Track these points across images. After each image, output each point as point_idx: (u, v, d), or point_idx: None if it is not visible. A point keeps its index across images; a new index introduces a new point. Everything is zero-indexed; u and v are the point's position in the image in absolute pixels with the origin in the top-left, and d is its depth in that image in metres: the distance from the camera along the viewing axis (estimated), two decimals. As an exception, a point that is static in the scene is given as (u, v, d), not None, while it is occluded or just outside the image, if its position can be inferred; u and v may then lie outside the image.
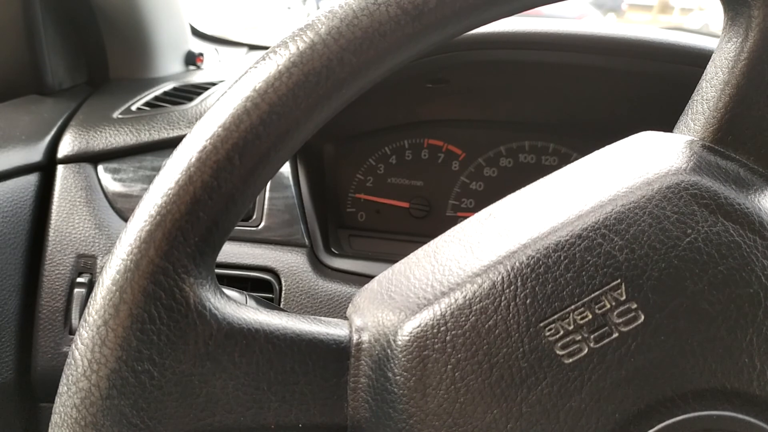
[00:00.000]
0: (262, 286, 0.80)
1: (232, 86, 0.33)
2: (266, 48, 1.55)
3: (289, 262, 0.80)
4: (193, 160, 0.31)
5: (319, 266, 0.82)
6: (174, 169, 0.32)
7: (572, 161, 0.89)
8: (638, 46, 0.75)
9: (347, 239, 0.96)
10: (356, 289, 0.77)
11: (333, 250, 0.88)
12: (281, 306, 0.79)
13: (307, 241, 0.82)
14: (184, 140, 0.33)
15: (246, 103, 0.31)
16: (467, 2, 0.32)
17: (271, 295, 0.79)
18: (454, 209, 0.97)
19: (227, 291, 0.51)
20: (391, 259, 0.80)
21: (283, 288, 0.79)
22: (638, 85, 0.81)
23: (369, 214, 0.98)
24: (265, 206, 0.83)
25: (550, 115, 0.93)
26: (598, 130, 0.91)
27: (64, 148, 0.84)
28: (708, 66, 0.38)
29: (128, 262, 0.31)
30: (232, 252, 0.81)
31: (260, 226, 0.83)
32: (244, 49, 1.46)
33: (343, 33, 0.31)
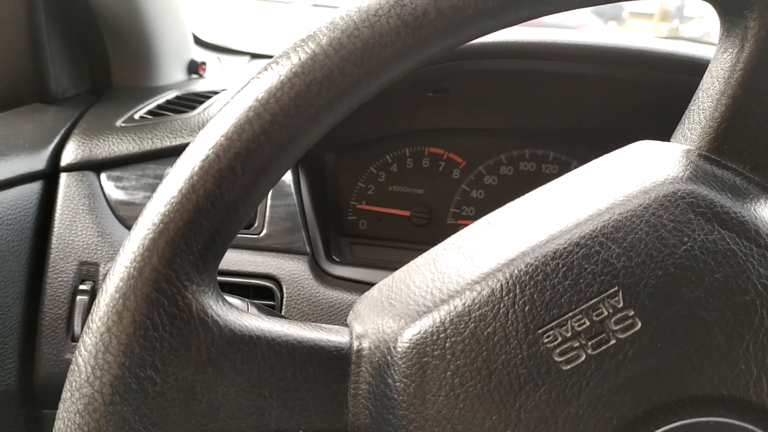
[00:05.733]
0: (264, 294, 0.80)
1: (234, 96, 0.33)
2: (269, 57, 1.55)
3: (290, 270, 0.81)
4: (196, 168, 0.32)
5: (320, 274, 0.82)
6: (177, 177, 0.32)
7: (572, 169, 0.89)
8: (637, 56, 0.75)
9: (348, 247, 0.96)
10: (357, 296, 0.77)
11: (334, 257, 0.88)
12: (282, 313, 0.79)
13: (308, 248, 0.83)
14: (187, 149, 0.33)
15: (248, 112, 0.32)
16: (467, 13, 0.32)
17: (272, 303, 0.80)
18: (454, 217, 0.97)
19: (229, 298, 0.52)
20: (393, 266, 0.81)
21: (285, 295, 0.79)
22: (638, 93, 0.82)
23: (370, 221, 0.99)
24: (267, 214, 0.84)
25: (550, 124, 0.94)
26: (598, 138, 0.92)
27: (67, 157, 0.85)
28: (705, 76, 0.38)
29: (131, 269, 0.31)
30: (233, 259, 0.81)
31: (262, 234, 0.83)
32: (247, 58, 1.47)
33: (344, 44, 0.32)
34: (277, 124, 0.32)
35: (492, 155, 0.97)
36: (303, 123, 0.32)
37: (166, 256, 0.31)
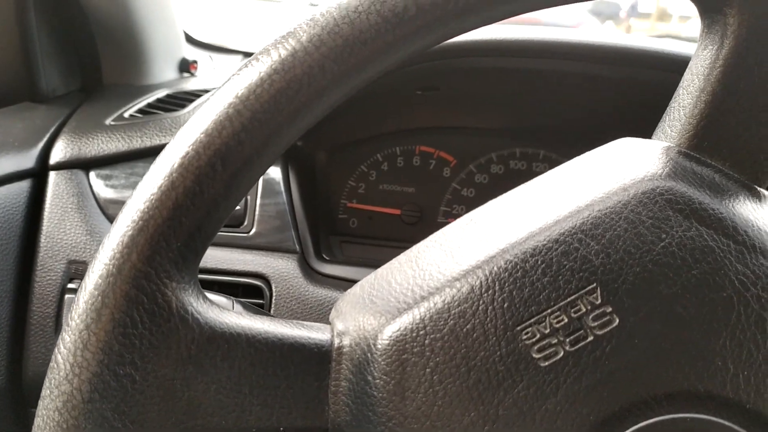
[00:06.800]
0: (253, 292, 0.81)
1: (215, 93, 0.33)
2: None
3: (279, 268, 0.81)
4: (176, 165, 0.32)
5: (309, 272, 0.82)
6: (157, 174, 0.32)
7: (563, 168, 0.88)
8: (623, 54, 0.75)
9: (339, 245, 0.96)
10: None
11: (324, 256, 0.88)
12: (271, 312, 0.79)
13: (297, 247, 0.83)
14: (167, 146, 0.33)
15: (228, 109, 0.32)
16: (447, 10, 0.32)
17: (261, 301, 0.80)
18: (445, 215, 0.98)
19: (214, 296, 0.52)
20: (382, 265, 0.80)
21: (274, 294, 0.79)
22: (626, 92, 0.82)
23: (361, 220, 0.99)
24: (257, 213, 0.84)
25: (540, 122, 0.94)
26: (588, 136, 0.92)
27: (57, 155, 0.85)
28: (685, 73, 0.38)
29: (111, 266, 0.31)
30: (223, 258, 0.81)
31: (251, 233, 0.83)
32: (240, 57, 1.46)
33: (324, 41, 0.32)
34: (257, 121, 0.32)
35: (483, 154, 0.97)
36: (283, 120, 0.32)
37: (145, 253, 0.31)
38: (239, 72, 0.33)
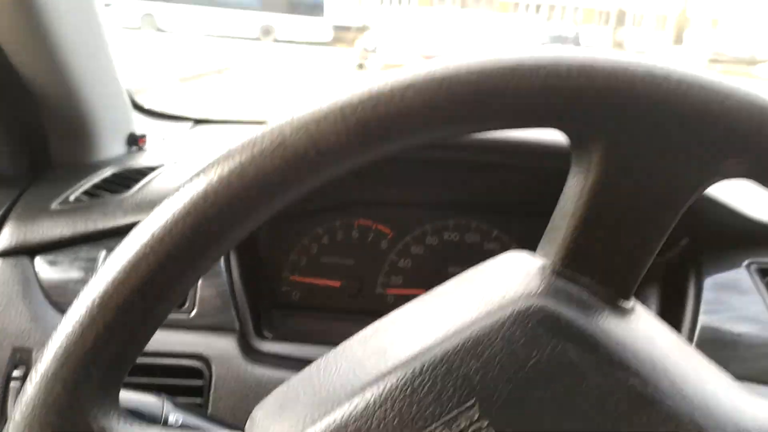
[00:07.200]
0: (194, 374, 0.83)
1: (133, 231, 0.37)
2: (211, 122, 1.53)
3: (219, 348, 0.83)
4: (96, 302, 0.35)
5: (249, 351, 0.84)
6: (78, 310, 0.36)
7: (493, 237, 0.93)
8: (517, 146, 0.81)
9: (281, 319, 0.99)
10: (287, 373, 0.80)
11: (265, 333, 0.91)
12: (211, 393, 0.81)
13: (237, 326, 0.85)
14: (90, 281, 0.37)
15: (145, 249, 0.35)
16: (344, 149, 0.36)
17: (201, 383, 0.82)
18: (383, 286, 1.01)
19: (142, 397, 0.55)
20: (324, 339, 0.83)
21: (213, 375, 0.82)
22: (537, 177, 0.87)
23: (302, 292, 1.02)
24: (198, 294, 0.86)
25: (471, 196, 0.99)
26: (516, 208, 0.97)
27: (2, 242, 0.87)
28: (560, 197, 0.43)
29: (36, 398, 0.35)
30: (164, 340, 0.83)
31: (192, 314, 0.85)
32: (189, 124, 1.49)
33: (232, 182, 0.36)
34: (172, 258, 0.35)
35: (418, 226, 1.01)
36: (196, 254, 0.36)
37: (68, 385, 0.35)
38: (157, 211, 0.37)
